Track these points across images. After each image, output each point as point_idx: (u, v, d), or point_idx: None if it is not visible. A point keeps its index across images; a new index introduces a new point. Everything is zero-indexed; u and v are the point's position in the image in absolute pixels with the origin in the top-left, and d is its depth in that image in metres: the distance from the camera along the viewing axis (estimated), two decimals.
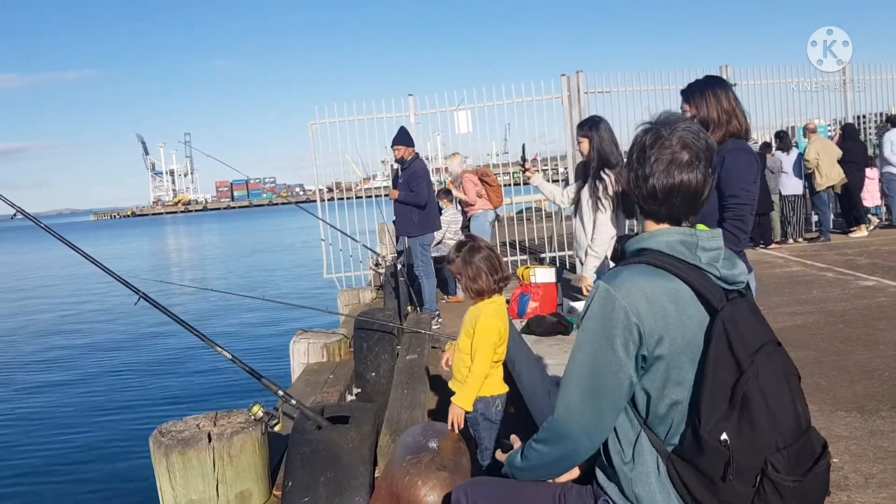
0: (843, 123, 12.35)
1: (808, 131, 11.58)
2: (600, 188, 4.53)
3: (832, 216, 11.88)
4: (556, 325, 4.74)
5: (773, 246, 11.14)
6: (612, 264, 4.66)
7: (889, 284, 7.85)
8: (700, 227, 1.87)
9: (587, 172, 4.75)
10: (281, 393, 3.77)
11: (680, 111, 3.43)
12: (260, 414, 3.65)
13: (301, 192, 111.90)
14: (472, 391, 3.06)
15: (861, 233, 11.57)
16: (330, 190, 12.02)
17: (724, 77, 11.41)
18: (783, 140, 11.52)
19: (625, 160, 4.55)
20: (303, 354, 7.01)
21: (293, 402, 3.74)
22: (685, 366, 1.75)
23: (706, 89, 3.35)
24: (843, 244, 11.08)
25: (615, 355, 1.76)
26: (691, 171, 1.82)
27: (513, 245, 11.82)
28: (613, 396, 1.79)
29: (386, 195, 11.67)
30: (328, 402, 4.95)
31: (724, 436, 1.68)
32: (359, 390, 6.19)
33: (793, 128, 14.02)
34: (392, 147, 7.93)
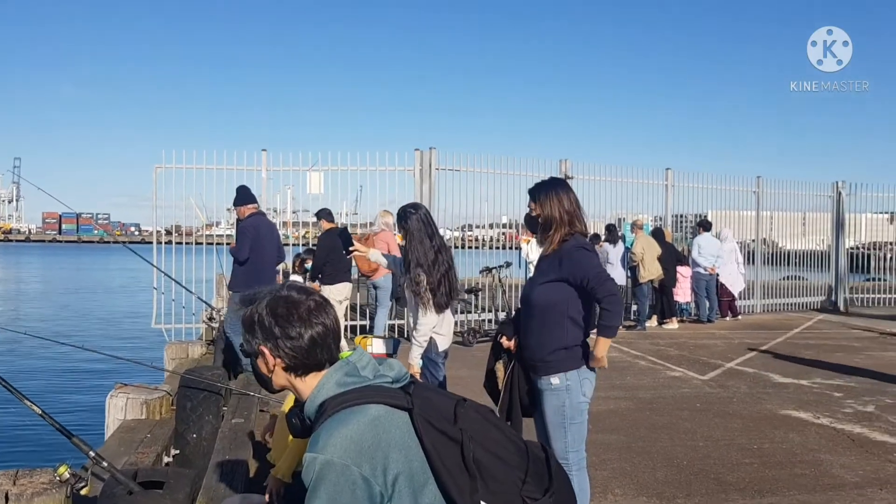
0: (654, 227, 13.53)
1: (635, 227, 12.60)
2: (416, 286, 4.74)
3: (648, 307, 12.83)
4: None
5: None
6: (439, 348, 4.87)
7: (693, 377, 8.57)
8: (343, 354, 2.00)
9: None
10: (92, 454, 3.58)
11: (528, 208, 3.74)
12: (66, 475, 3.45)
13: (136, 233, 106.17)
14: (292, 462, 3.06)
15: (672, 325, 12.60)
16: (168, 233, 11.59)
17: (563, 170, 12.25)
18: (612, 233, 12.44)
19: (432, 253, 4.75)
20: (120, 410, 6.62)
21: (104, 464, 3.56)
22: (418, 469, 1.82)
23: (550, 191, 3.64)
24: (656, 334, 12.00)
25: None
26: (322, 316, 1.97)
27: (354, 309, 11.84)
28: None
29: (228, 243, 11.41)
30: (143, 466, 4.72)
31: None
32: (177, 452, 5.91)
33: (620, 219, 15.18)
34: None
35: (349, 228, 13.39)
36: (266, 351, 1.97)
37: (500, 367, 3.86)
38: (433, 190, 11.29)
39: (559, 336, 3.52)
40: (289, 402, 3.06)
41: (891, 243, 19.17)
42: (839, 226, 15.92)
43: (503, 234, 14.16)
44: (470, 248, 12.87)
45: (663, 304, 12.80)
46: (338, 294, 8.81)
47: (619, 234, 12.86)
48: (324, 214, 9.62)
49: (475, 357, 9.29)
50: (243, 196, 7.89)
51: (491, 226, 13.99)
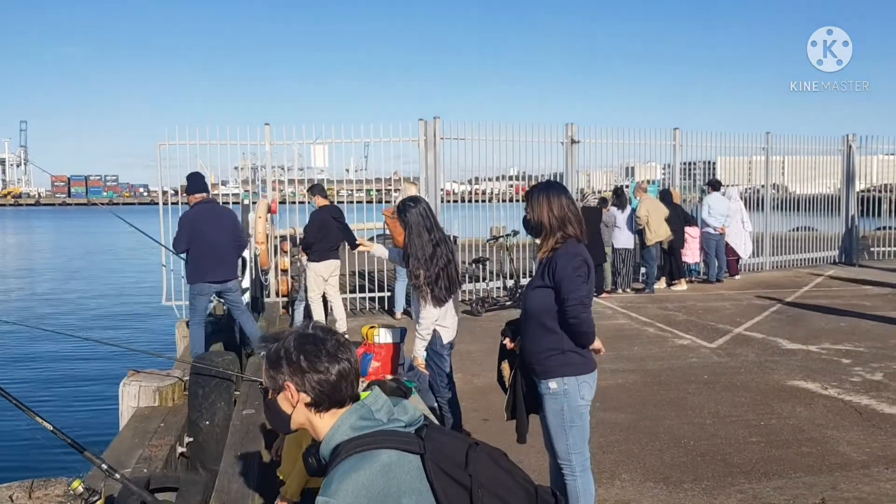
0: (662, 189, 13.40)
1: (639, 190, 12.52)
2: (415, 279, 4.79)
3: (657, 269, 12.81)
4: (397, 389, 4.85)
5: (604, 295, 11.89)
6: (444, 340, 4.89)
7: (701, 344, 8.59)
8: (362, 395, 2.03)
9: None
10: (104, 466, 3.64)
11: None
12: (80, 489, 3.52)
13: (146, 194, 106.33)
14: (301, 482, 3.11)
15: (681, 286, 12.60)
16: (176, 193, 11.53)
17: (569, 134, 12.13)
18: (619, 197, 12.36)
19: (430, 246, 4.75)
20: (133, 397, 6.73)
21: (117, 476, 3.62)
22: None
23: (541, 195, 3.62)
24: (664, 297, 12.00)
25: None
26: (347, 353, 2.02)
27: (362, 275, 11.89)
28: None
29: (236, 203, 11.37)
30: (156, 461, 4.80)
31: None
32: (190, 439, 6.01)
33: (631, 168, 15.04)
34: None
35: (356, 184, 13.28)
36: (292, 386, 1.99)
37: (505, 367, 3.93)
38: (438, 159, 11.22)
39: (555, 340, 3.53)
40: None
41: None
42: (849, 179, 15.74)
43: (511, 185, 14.09)
44: (478, 201, 12.76)
45: (672, 265, 12.78)
46: (324, 271, 8.79)
47: (628, 196, 12.76)
48: (318, 190, 9.36)
49: (483, 328, 9.34)
50: (192, 184, 7.69)
51: (499, 178, 13.91)
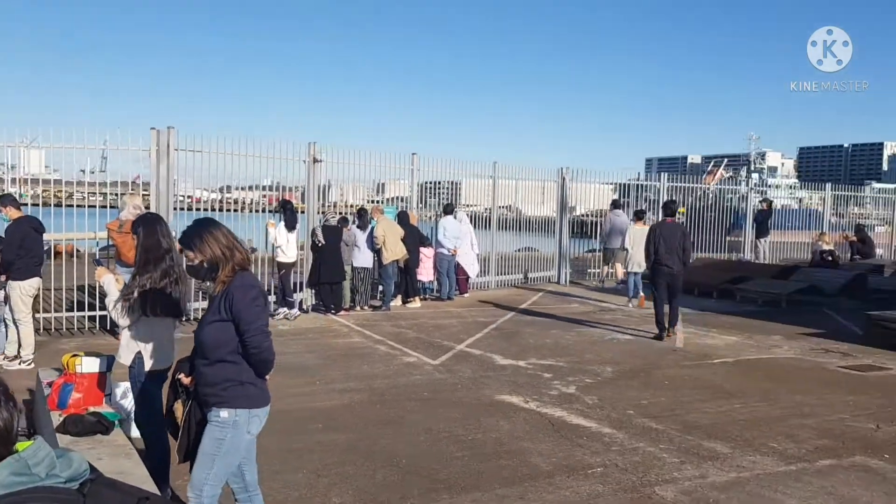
0: (399, 211, 14.13)
1: (375, 211, 13.05)
2: (131, 283, 4.70)
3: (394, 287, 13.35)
4: (97, 424, 4.60)
5: (342, 313, 12.15)
6: (146, 366, 4.69)
7: (426, 362, 9.10)
8: (19, 445, 1.89)
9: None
10: None
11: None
12: None
13: None
14: None
15: (415, 304, 13.24)
16: None
17: (312, 153, 12.28)
18: (362, 218, 12.76)
19: (164, 267, 4.62)
20: None
21: None
22: None
23: (204, 233, 3.59)
24: (399, 315, 12.54)
25: None
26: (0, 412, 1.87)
27: (81, 290, 11.02)
28: None
29: None
30: None
31: None
32: None
33: (382, 184, 15.64)
34: None
35: (97, 188, 12.23)
36: None
37: (178, 407, 3.84)
38: (171, 171, 10.76)
39: (235, 372, 3.54)
40: None
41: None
42: (563, 208, 17.54)
43: (264, 196, 13.90)
44: (230, 210, 12.40)
45: (407, 283, 13.38)
46: (29, 289, 8.12)
47: (370, 217, 13.16)
48: (9, 200, 8.31)
49: None
50: None
51: (251, 188, 13.67)
